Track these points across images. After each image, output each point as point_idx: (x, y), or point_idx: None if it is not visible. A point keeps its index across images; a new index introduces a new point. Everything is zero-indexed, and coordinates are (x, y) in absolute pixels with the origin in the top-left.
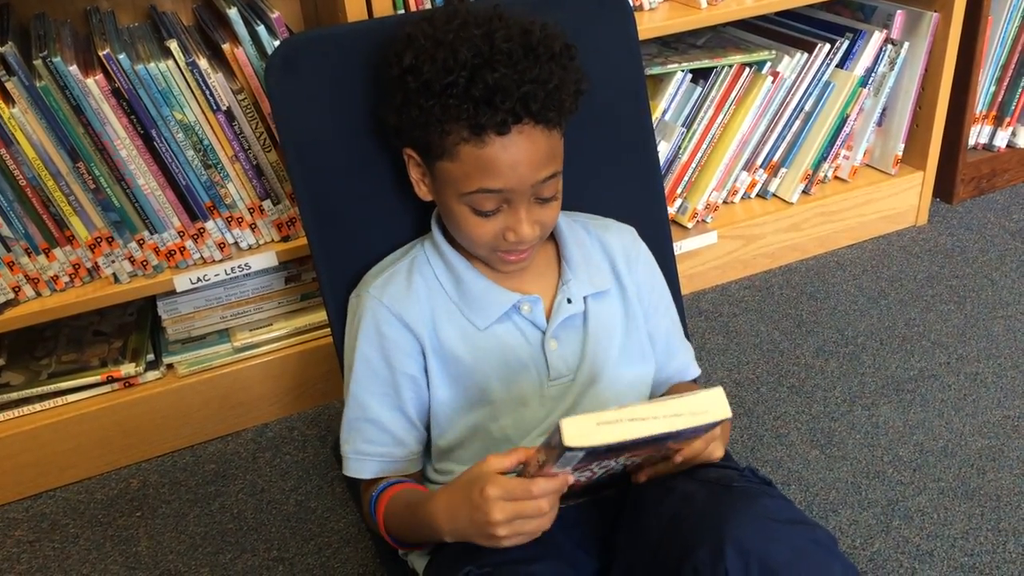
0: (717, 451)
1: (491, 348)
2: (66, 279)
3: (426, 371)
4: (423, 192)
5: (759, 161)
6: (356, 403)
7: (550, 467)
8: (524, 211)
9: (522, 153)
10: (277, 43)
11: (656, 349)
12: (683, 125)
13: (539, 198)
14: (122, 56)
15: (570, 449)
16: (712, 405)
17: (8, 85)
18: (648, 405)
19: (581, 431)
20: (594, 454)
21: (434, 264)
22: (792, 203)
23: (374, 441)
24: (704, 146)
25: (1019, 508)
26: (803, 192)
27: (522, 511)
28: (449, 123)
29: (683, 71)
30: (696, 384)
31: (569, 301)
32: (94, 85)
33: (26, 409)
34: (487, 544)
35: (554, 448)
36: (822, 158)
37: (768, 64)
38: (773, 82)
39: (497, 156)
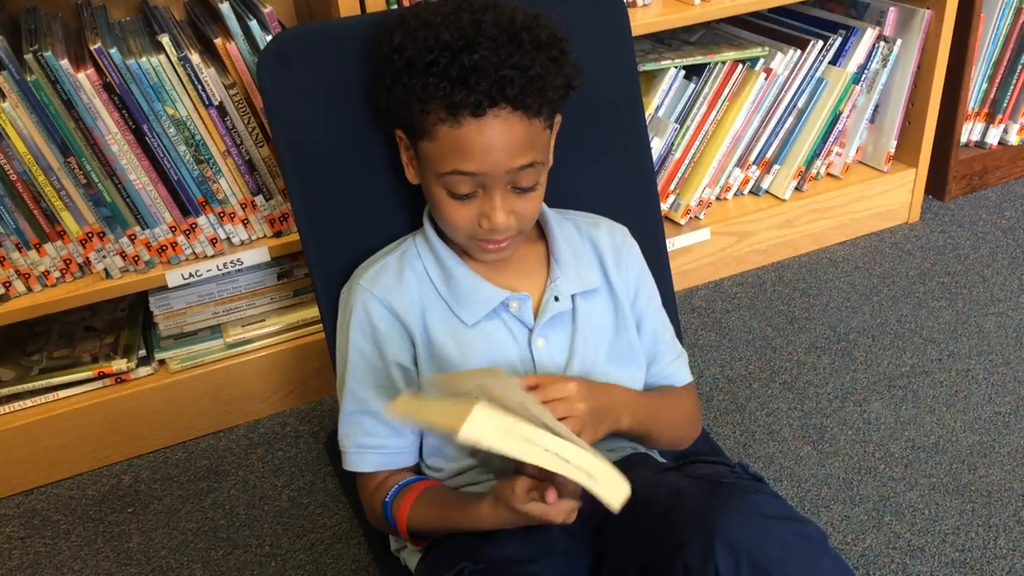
0: (566, 386)
1: (478, 345)
2: (57, 274)
3: (416, 363)
4: (411, 175)
5: (752, 158)
6: (353, 397)
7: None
8: (499, 198)
9: (497, 138)
10: (269, 38)
11: (643, 351)
12: (676, 121)
13: (516, 187)
14: (113, 50)
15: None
16: (610, 490)
17: None
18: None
19: (484, 427)
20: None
21: (424, 258)
22: (785, 200)
23: (373, 433)
24: (697, 143)
25: (1010, 504)
26: (796, 189)
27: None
28: (429, 102)
29: (676, 67)
30: (691, 389)
31: (556, 299)
32: (85, 79)
33: (17, 405)
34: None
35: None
36: (815, 155)
37: (761, 61)
38: (766, 79)
39: (471, 138)
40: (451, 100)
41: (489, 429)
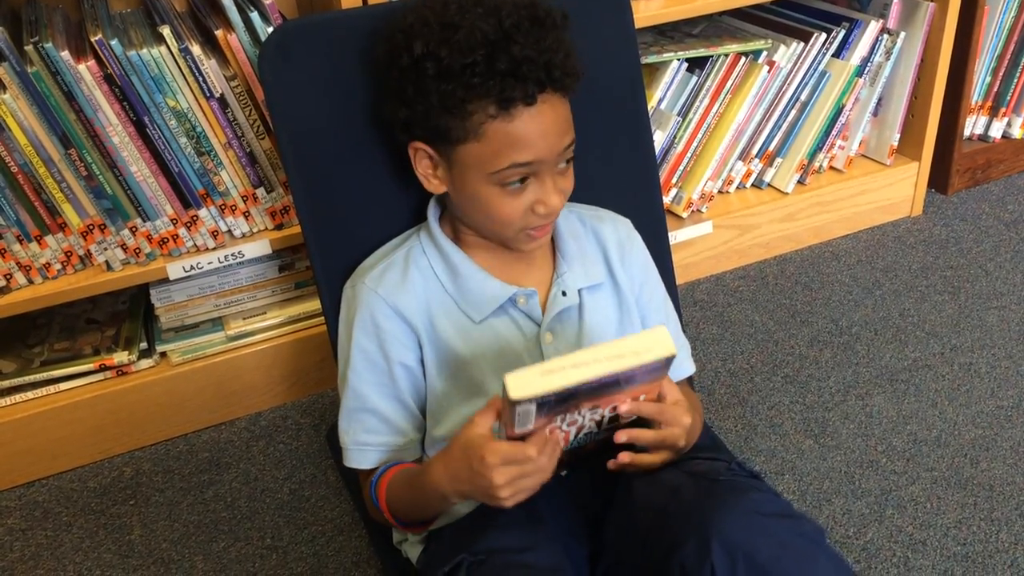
0: (684, 416)
1: (487, 341)
2: (58, 267)
3: (422, 361)
4: (434, 186)
5: (755, 151)
6: (354, 394)
7: (512, 427)
8: (551, 181)
9: (549, 122)
10: (271, 30)
11: None
12: (679, 114)
13: (559, 166)
14: (114, 42)
15: (517, 402)
16: (656, 343)
17: None
18: (590, 349)
19: (524, 383)
20: (547, 406)
21: (430, 255)
22: (787, 193)
23: (374, 431)
24: (700, 135)
25: (1012, 498)
26: (798, 182)
27: (522, 472)
28: (473, 102)
29: (679, 60)
30: (690, 383)
31: (564, 294)
32: (86, 71)
33: (18, 397)
34: (491, 503)
35: (507, 406)
36: (817, 148)
37: (764, 53)
38: (769, 71)
39: (527, 128)
40: (504, 95)
41: (528, 383)
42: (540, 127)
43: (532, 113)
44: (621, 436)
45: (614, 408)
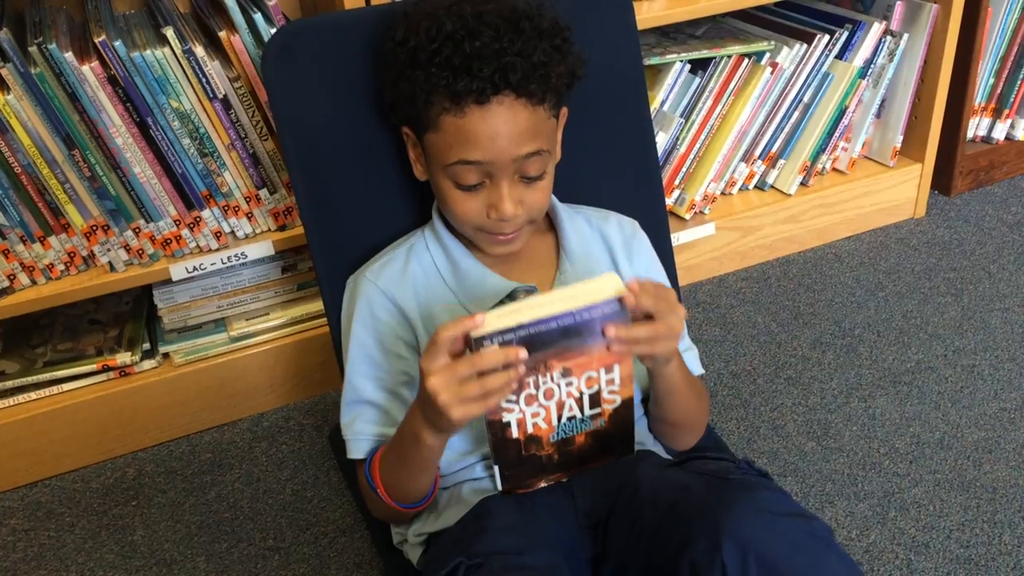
0: (678, 306)
1: None
2: (61, 267)
3: (419, 354)
4: (419, 171)
5: (757, 152)
6: (351, 386)
7: None
8: (506, 187)
9: (501, 125)
10: (274, 31)
11: None
12: (681, 116)
13: (524, 176)
14: (118, 43)
15: (479, 340)
16: (607, 285)
17: (3, 72)
18: (546, 294)
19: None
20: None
21: (432, 250)
22: (790, 195)
23: (370, 421)
24: (702, 137)
25: (1015, 500)
26: (801, 184)
27: (456, 373)
28: (432, 93)
29: (682, 61)
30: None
31: None
32: (90, 72)
33: (21, 397)
34: (445, 424)
35: (471, 347)
36: (820, 150)
37: (767, 55)
38: (772, 73)
39: (476, 126)
40: (454, 88)
41: (488, 321)
42: (490, 128)
43: (483, 113)
44: (610, 330)
45: (589, 381)
